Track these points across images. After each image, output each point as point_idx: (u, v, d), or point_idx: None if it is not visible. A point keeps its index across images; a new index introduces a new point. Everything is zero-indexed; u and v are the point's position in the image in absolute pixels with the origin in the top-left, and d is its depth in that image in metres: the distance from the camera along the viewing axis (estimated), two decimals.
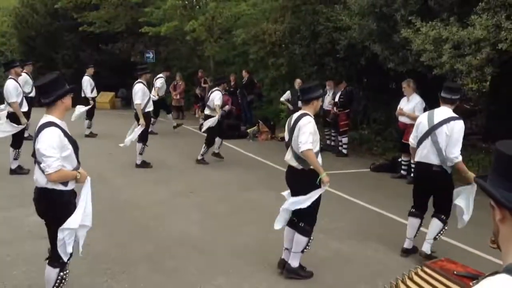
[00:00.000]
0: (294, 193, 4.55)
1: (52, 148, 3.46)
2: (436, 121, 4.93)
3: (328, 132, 11.72)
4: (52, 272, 3.69)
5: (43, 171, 3.51)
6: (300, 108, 4.99)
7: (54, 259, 3.69)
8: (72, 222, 3.57)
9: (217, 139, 9.91)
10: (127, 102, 18.75)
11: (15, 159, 8.27)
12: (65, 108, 3.71)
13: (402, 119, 8.49)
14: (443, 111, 4.99)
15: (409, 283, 1.72)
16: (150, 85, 14.39)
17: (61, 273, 3.70)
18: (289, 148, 4.57)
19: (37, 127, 3.61)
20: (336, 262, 5.04)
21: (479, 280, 1.26)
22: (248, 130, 13.47)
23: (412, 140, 5.23)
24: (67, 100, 3.70)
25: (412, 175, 8.49)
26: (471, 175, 4.82)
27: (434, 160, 4.91)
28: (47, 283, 3.73)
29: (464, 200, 4.75)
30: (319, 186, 4.42)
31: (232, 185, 8.16)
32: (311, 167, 4.42)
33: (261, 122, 13.56)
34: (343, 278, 4.68)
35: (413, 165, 8.40)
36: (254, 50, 15.43)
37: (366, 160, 10.52)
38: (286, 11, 13.65)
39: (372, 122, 12.26)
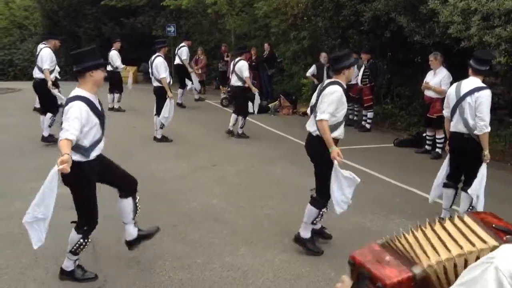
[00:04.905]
0: (312, 161, 4.57)
1: (77, 119, 3.50)
2: (462, 92, 4.96)
3: (351, 107, 11.57)
4: (75, 237, 3.87)
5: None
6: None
7: (79, 226, 3.88)
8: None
9: (239, 118, 9.74)
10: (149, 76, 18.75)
11: (50, 126, 8.51)
12: (94, 83, 3.75)
13: (428, 93, 8.33)
14: (470, 82, 4.99)
15: (437, 227, 1.66)
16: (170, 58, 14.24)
17: (81, 240, 3.87)
18: (312, 114, 4.49)
19: (66, 100, 3.73)
20: (358, 235, 5.03)
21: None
22: (270, 105, 13.41)
23: (444, 112, 5.30)
24: (96, 74, 3.74)
25: (436, 150, 8.42)
26: (488, 155, 4.88)
27: (463, 129, 4.98)
28: (69, 244, 3.92)
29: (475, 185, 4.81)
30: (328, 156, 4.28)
31: (254, 159, 8.18)
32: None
33: (283, 97, 13.48)
34: None
35: (438, 140, 8.36)
36: (276, 23, 15.24)
37: (389, 135, 10.40)
38: None
39: (395, 97, 12.07)
